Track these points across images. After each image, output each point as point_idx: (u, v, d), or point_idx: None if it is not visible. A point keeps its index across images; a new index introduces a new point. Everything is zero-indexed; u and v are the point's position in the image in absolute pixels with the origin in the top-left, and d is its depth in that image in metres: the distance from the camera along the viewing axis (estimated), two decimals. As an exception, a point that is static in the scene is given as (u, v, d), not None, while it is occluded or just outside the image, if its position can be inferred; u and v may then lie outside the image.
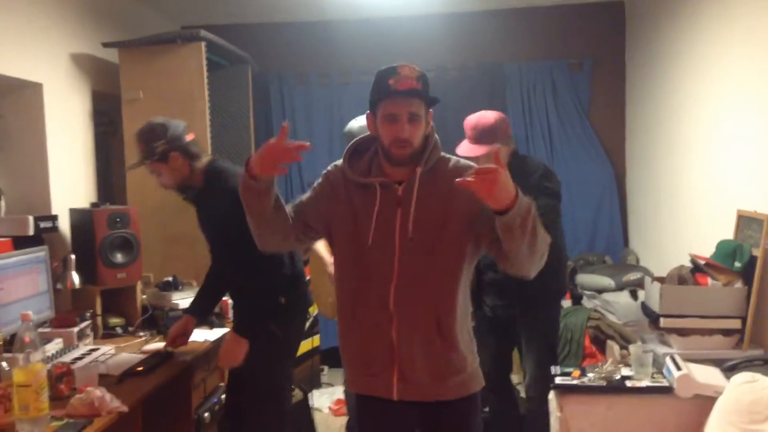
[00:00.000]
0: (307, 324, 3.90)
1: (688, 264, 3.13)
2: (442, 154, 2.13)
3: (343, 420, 4.13)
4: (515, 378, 3.53)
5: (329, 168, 2.21)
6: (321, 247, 3.42)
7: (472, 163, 2.09)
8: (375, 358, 2.10)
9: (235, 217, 2.57)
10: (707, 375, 2.66)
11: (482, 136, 2.93)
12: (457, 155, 2.23)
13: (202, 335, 3.25)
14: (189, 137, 2.79)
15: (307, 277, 4.05)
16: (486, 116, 2.97)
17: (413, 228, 2.02)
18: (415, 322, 2.05)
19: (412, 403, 2.10)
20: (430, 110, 2.07)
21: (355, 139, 2.22)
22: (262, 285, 2.70)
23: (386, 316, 2.05)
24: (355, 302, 2.11)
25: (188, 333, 3.02)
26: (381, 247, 2.05)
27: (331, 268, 3.29)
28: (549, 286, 3.02)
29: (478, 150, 2.89)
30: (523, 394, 3.40)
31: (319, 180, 2.21)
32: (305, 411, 3.79)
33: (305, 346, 4.68)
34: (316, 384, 4.89)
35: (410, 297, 2.04)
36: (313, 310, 4.66)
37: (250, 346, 2.71)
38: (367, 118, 2.14)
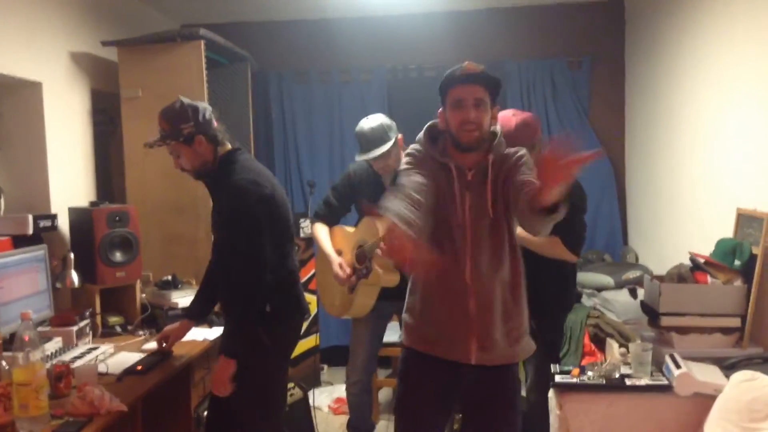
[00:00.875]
0: (306, 323, 3.91)
1: (688, 262, 3.13)
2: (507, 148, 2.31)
3: (343, 419, 4.12)
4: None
5: (410, 150, 2.36)
6: (327, 245, 3.42)
7: (522, 149, 2.29)
8: (454, 326, 2.27)
9: (235, 216, 2.59)
10: (707, 373, 2.66)
11: (515, 138, 2.79)
12: None
13: (202, 334, 3.26)
14: (215, 123, 2.76)
15: (311, 273, 4.06)
16: (510, 121, 2.82)
17: (479, 211, 2.22)
18: (490, 294, 2.24)
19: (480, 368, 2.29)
20: (497, 105, 2.26)
21: (428, 124, 2.36)
22: (243, 292, 2.58)
23: (463, 288, 2.24)
24: (428, 277, 2.28)
25: (180, 337, 3.00)
26: (451, 227, 2.25)
27: (337, 267, 3.31)
28: (560, 298, 3.04)
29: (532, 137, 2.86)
30: (523, 392, 3.40)
31: (404, 162, 2.33)
32: (305, 410, 3.78)
33: (305, 344, 4.68)
34: (316, 383, 4.89)
35: (483, 272, 2.24)
36: (313, 309, 4.66)
37: (240, 361, 2.61)
38: (438, 115, 2.31)
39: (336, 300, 3.44)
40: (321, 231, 3.48)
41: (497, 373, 2.32)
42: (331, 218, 3.51)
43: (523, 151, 2.29)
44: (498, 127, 2.32)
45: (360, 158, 3.35)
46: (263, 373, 2.70)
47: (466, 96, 2.18)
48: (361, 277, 3.26)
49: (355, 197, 3.50)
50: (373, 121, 3.34)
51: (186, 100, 2.71)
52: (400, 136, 3.35)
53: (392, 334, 3.85)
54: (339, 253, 3.38)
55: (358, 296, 3.29)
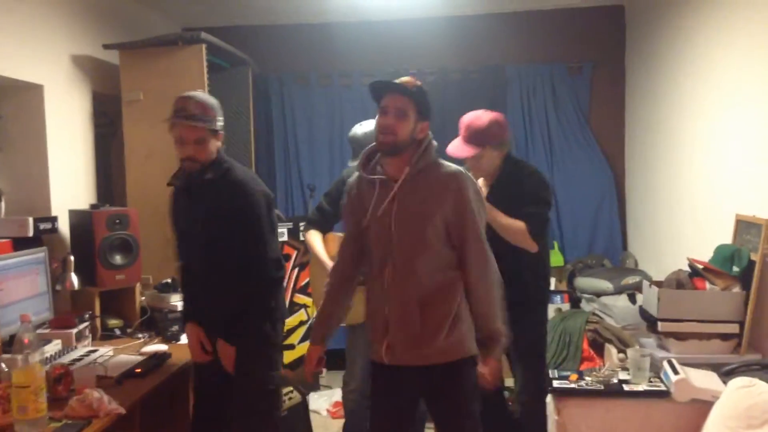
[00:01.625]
0: (305, 327, 3.91)
1: (687, 268, 3.13)
2: (440, 160, 2.41)
3: (341, 423, 4.12)
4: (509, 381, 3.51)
5: (348, 183, 2.56)
6: (321, 251, 3.41)
7: (459, 170, 2.37)
8: (375, 330, 2.44)
9: (242, 212, 2.65)
10: (705, 379, 2.67)
11: (473, 137, 2.91)
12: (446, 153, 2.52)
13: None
14: None
15: (306, 281, 4.06)
16: (480, 118, 2.94)
17: (400, 222, 2.33)
18: (400, 300, 2.36)
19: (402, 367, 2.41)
20: (426, 121, 2.35)
21: (369, 146, 2.48)
22: (253, 289, 2.69)
23: (383, 294, 2.39)
24: (369, 284, 2.51)
25: (203, 339, 2.81)
26: (380, 237, 2.37)
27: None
28: (533, 294, 3.02)
29: (466, 151, 2.91)
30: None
31: (344, 200, 2.57)
32: (303, 413, 3.78)
33: (303, 348, 4.65)
34: (315, 386, 4.89)
35: (400, 280, 2.36)
36: (312, 313, 4.66)
37: (246, 351, 2.70)
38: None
39: None
40: (314, 238, 3.46)
41: (425, 372, 2.39)
42: (325, 225, 3.49)
43: (457, 178, 2.35)
44: (428, 141, 2.39)
45: (354, 164, 3.35)
46: (271, 364, 2.80)
47: (389, 104, 2.31)
48: (358, 283, 3.22)
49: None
50: (366, 126, 3.36)
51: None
52: None
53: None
54: (333, 260, 3.38)
55: (355, 303, 3.28)
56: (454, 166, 2.39)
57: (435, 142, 2.41)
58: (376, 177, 2.39)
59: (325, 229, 3.49)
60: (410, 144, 2.33)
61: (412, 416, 2.52)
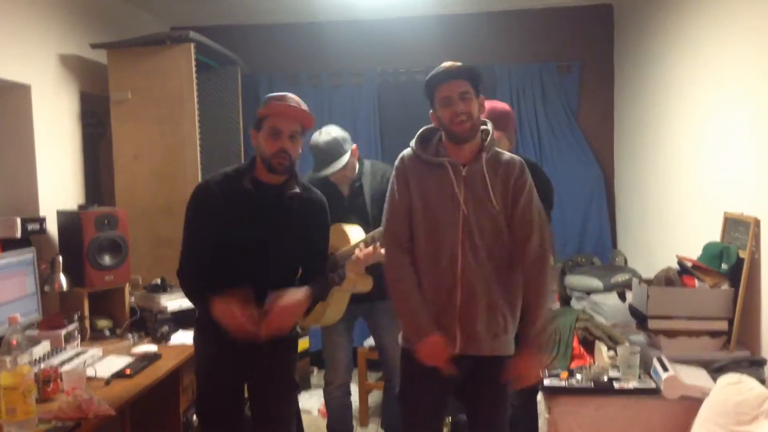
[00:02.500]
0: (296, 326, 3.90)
1: (676, 266, 3.15)
2: (496, 149, 2.44)
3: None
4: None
5: (397, 161, 2.48)
6: None
7: (519, 158, 2.42)
8: (443, 318, 2.38)
9: (324, 221, 2.74)
10: (694, 376, 2.68)
11: (496, 120, 2.89)
12: None
13: (191, 338, 3.24)
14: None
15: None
16: (501, 104, 3.10)
17: (474, 208, 2.34)
18: (478, 288, 2.35)
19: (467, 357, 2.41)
20: (482, 96, 2.38)
21: (422, 128, 2.49)
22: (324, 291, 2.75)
23: (453, 281, 2.36)
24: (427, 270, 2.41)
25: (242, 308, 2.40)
26: (451, 223, 2.35)
27: None
28: None
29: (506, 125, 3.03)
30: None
31: (392, 181, 2.47)
32: (294, 413, 3.77)
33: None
34: (306, 386, 4.89)
35: (474, 267, 2.35)
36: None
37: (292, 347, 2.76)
38: (431, 117, 2.43)
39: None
40: None
41: (484, 364, 2.42)
42: None
43: (519, 165, 2.41)
44: (489, 126, 2.45)
45: (317, 175, 3.28)
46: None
47: (450, 92, 2.31)
48: (334, 284, 3.05)
49: None
50: (326, 135, 3.30)
51: None
52: (354, 146, 3.36)
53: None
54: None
55: (331, 304, 3.26)
56: (509, 154, 2.45)
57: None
58: (443, 159, 2.37)
59: None
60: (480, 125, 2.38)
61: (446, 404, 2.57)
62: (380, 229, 2.75)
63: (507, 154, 2.44)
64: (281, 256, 2.57)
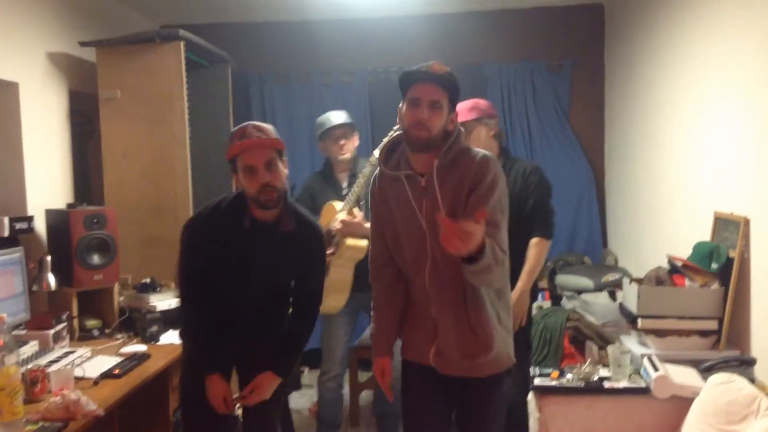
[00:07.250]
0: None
1: (666, 265, 3.15)
2: (469, 146, 2.27)
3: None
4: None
5: (370, 185, 2.42)
6: None
7: (486, 155, 2.21)
8: (421, 332, 2.31)
9: (321, 262, 2.77)
10: (684, 376, 2.68)
11: (474, 107, 3.24)
12: None
13: (179, 339, 3.23)
14: None
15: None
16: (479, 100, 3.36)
17: (432, 218, 2.13)
18: (447, 302, 2.23)
19: (446, 376, 2.31)
20: (456, 111, 2.24)
21: (388, 138, 2.45)
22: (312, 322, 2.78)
23: (425, 295, 2.26)
24: (408, 286, 2.36)
25: (229, 391, 2.60)
26: (412, 236, 2.24)
27: None
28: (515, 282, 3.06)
29: (469, 114, 3.19)
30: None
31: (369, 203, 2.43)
32: (284, 412, 3.76)
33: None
34: (296, 385, 4.88)
35: (442, 280, 2.22)
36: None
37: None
38: (398, 110, 2.26)
39: None
40: None
41: (471, 383, 2.31)
42: None
43: (480, 161, 2.19)
44: (457, 130, 2.26)
45: (320, 131, 3.68)
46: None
47: (422, 96, 2.15)
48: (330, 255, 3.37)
49: (317, 205, 3.59)
50: (336, 111, 3.75)
51: None
52: (357, 134, 3.76)
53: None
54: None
55: (330, 292, 3.28)
56: (482, 152, 2.23)
57: (462, 128, 2.30)
58: (400, 173, 2.24)
59: None
60: (442, 138, 2.18)
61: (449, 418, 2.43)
62: (351, 196, 3.39)
63: (475, 152, 2.22)
64: (274, 292, 2.69)
